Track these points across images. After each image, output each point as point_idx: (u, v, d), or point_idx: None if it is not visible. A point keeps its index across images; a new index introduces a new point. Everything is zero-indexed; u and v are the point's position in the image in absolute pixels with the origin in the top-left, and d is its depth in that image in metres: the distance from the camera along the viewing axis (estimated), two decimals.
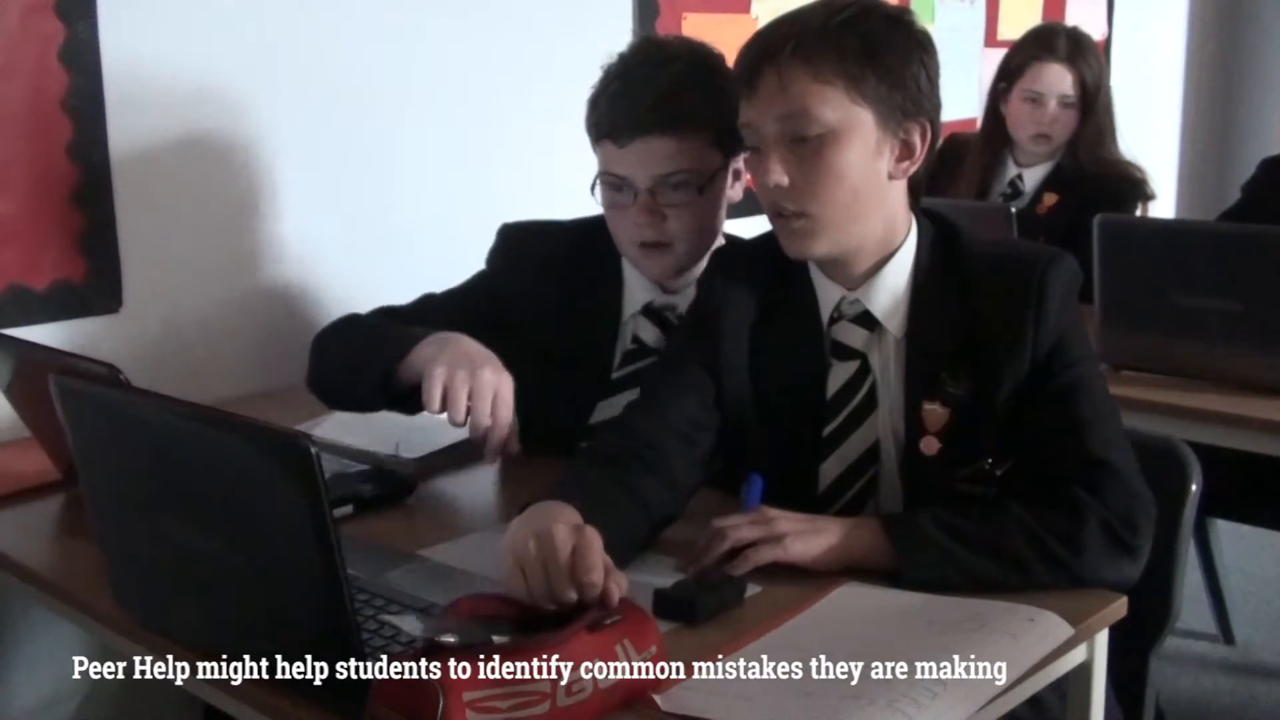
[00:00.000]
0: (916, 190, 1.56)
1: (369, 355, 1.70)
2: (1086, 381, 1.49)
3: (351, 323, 1.85)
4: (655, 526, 1.48)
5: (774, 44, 1.47)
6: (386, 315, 1.87)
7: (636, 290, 1.84)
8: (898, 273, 1.55)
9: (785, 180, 1.47)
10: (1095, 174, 2.90)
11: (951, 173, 3.11)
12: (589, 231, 1.86)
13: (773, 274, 1.60)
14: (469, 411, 1.59)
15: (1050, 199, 2.92)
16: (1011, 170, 3.04)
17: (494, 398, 1.60)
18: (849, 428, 1.55)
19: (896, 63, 1.47)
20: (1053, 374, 1.48)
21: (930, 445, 1.51)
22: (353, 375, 1.72)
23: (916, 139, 1.50)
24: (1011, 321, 1.48)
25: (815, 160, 1.47)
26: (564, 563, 1.19)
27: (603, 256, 1.85)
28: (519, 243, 1.90)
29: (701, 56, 1.78)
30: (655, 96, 1.70)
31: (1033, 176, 3.02)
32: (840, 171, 1.47)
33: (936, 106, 1.52)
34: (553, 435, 1.75)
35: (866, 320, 1.56)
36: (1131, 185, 2.90)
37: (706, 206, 1.76)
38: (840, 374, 1.56)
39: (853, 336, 1.56)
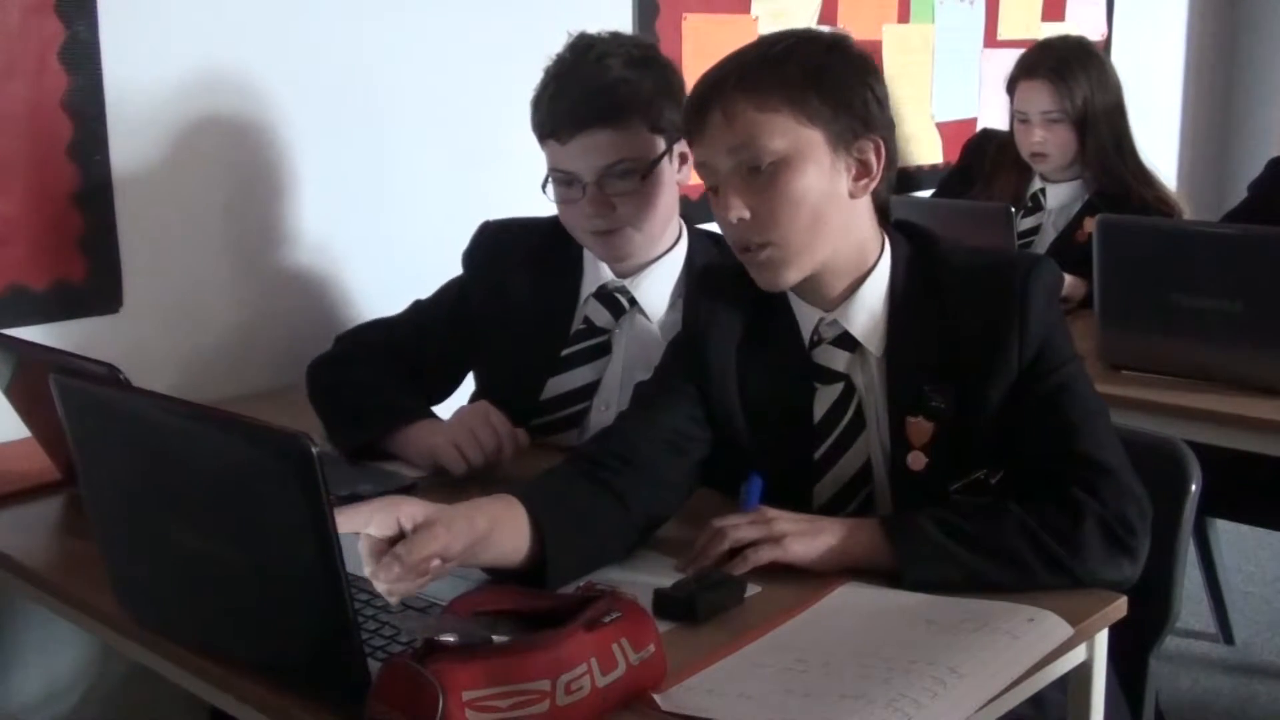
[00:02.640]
0: (884, 208, 1.57)
1: (350, 425, 1.82)
2: (1073, 383, 1.49)
3: (337, 366, 1.92)
4: (638, 521, 1.48)
5: (716, 82, 1.49)
6: (374, 329, 1.98)
7: (593, 275, 1.90)
8: (874, 291, 1.55)
9: (746, 213, 1.48)
10: (1124, 201, 2.84)
11: (984, 169, 3.12)
12: (560, 225, 1.91)
13: (753, 297, 1.60)
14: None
15: (1090, 225, 2.89)
16: (1037, 184, 3.04)
17: (488, 424, 1.75)
18: (839, 450, 1.56)
19: (838, 84, 1.48)
20: (1040, 378, 1.48)
21: (917, 460, 1.51)
22: (333, 431, 1.84)
23: (872, 157, 1.51)
24: (995, 329, 1.48)
25: (771, 188, 1.47)
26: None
27: (568, 246, 1.92)
28: (491, 241, 1.98)
29: (634, 47, 1.84)
30: (591, 92, 1.76)
31: (1056, 194, 2.99)
32: (798, 196, 1.47)
33: (889, 125, 1.53)
34: (506, 411, 1.82)
35: (847, 342, 1.56)
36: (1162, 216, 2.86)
37: (653, 191, 1.81)
38: (825, 397, 1.56)
39: (834, 359, 1.56)
